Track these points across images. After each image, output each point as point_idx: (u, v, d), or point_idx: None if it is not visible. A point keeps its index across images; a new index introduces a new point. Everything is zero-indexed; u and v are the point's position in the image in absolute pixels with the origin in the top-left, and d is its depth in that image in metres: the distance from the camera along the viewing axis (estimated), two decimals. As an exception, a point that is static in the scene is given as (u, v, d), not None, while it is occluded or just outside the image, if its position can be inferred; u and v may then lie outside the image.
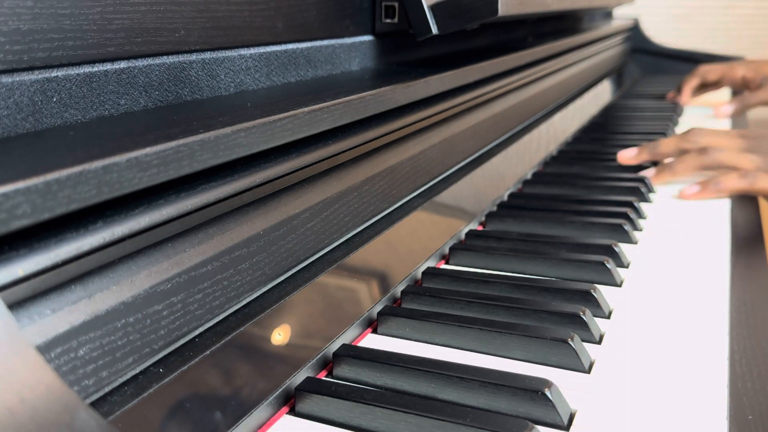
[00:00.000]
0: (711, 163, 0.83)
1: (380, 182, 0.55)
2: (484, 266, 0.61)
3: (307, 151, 0.45)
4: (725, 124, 1.23)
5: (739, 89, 1.30)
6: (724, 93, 1.38)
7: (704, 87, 1.35)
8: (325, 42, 0.59)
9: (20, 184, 0.26)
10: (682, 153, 0.87)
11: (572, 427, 0.38)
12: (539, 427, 0.38)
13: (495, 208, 0.74)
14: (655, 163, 0.90)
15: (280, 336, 0.41)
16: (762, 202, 0.82)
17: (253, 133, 0.38)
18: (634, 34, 1.83)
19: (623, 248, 0.63)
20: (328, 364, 0.44)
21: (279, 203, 0.44)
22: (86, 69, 0.37)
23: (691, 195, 0.82)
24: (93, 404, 0.31)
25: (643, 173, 0.86)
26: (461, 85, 0.68)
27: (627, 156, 0.92)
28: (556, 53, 1.06)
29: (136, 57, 0.40)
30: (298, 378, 0.41)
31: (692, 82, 1.34)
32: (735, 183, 0.80)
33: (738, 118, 1.25)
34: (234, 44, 0.48)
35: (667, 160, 0.89)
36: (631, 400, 0.41)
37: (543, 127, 0.97)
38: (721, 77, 1.30)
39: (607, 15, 1.76)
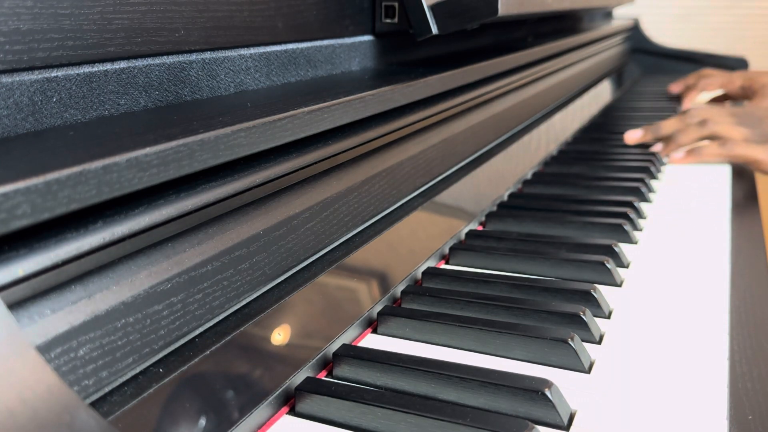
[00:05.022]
0: (709, 134, 0.97)
1: (380, 182, 0.55)
2: (484, 266, 0.61)
3: (307, 151, 0.45)
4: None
5: (739, 99, 1.32)
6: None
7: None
8: (325, 42, 0.59)
9: (20, 184, 0.26)
10: (681, 130, 0.99)
11: (572, 427, 0.38)
12: (539, 427, 0.38)
13: (495, 208, 0.74)
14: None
15: (280, 336, 0.41)
16: (763, 203, 0.83)
17: (253, 133, 0.38)
18: (634, 34, 1.83)
19: (623, 248, 0.63)
20: (328, 364, 0.44)
21: (279, 203, 0.44)
22: (86, 69, 0.37)
23: (678, 160, 0.97)
24: (93, 404, 0.31)
25: (652, 149, 1.00)
26: (461, 85, 0.68)
27: (633, 137, 1.04)
28: (556, 53, 1.06)
29: (136, 57, 0.40)
30: (298, 378, 0.41)
31: (692, 95, 1.38)
32: (715, 150, 0.95)
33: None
34: (234, 44, 0.48)
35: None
36: (632, 400, 0.41)
37: (543, 127, 0.97)
38: (720, 89, 1.33)
39: (607, 15, 1.76)
